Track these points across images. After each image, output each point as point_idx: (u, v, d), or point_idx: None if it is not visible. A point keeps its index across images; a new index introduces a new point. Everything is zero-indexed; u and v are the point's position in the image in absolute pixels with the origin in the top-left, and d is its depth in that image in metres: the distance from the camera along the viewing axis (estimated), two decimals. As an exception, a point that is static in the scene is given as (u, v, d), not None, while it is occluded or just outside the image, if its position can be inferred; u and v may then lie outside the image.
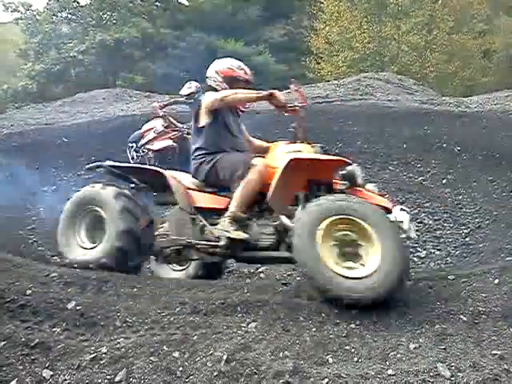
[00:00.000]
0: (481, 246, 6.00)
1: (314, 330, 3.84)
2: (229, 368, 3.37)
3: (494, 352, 3.40)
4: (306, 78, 27.00)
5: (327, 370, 3.36)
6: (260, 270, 5.52)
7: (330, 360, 3.49)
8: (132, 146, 7.66)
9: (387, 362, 3.41)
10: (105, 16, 28.49)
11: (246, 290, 4.44)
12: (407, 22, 23.85)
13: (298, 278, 5.17)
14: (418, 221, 6.93)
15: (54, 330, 3.84)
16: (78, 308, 4.13)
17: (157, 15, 28.54)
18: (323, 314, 3.98)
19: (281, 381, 3.24)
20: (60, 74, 25.96)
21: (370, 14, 24.46)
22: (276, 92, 4.36)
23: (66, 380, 3.31)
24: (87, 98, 13.84)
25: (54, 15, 28.39)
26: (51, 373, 3.38)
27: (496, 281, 4.32)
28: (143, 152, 7.54)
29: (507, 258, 5.18)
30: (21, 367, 3.40)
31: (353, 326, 3.84)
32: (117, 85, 25.29)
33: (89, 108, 11.94)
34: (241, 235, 4.31)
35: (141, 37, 26.06)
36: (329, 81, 21.80)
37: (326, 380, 3.23)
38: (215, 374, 3.34)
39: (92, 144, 9.02)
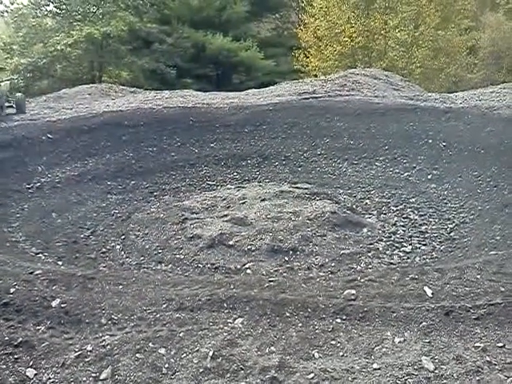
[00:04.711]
0: (465, 240, 6.05)
1: (300, 325, 3.86)
2: (215, 364, 3.39)
3: (476, 344, 3.46)
4: (293, 72, 26.99)
5: (313, 365, 3.38)
6: (247, 266, 5.52)
7: (316, 355, 3.52)
8: None
9: (372, 356, 3.45)
10: (91, 10, 28.15)
11: (232, 286, 4.45)
12: (394, 18, 23.93)
13: (284, 274, 5.18)
14: (404, 216, 6.98)
15: (38, 328, 3.82)
16: (62, 306, 4.11)
17: (143, 10, 28.25)
18: (309, 309, 4.00)
19: (267, 376, 3.26)
20: (46, 69, 25.63)
21: (357, 9, 24.51)
22: None
23: (50, 379, 3.30)
24: (72, 93, 13.68)
25: (39, 9, 28.00)
26: (35, 372, 3.36)
27: (479, 275, 4.37)
28: None
29: (491, 252, 5.23)
30: (4, 366, 3.37)
31: (338, 320, 3.87)
32: (103, 80, 25.02)
33: (74, 104, 11.80)
34: None
35: (128, 31, 25.79)
36: (316, 75, 21.83)
37: (312, 375, 3.26)
38: (201, 370, 3.35)
39: (77, 140, 8.95)
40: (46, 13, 28.57)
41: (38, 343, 3.60)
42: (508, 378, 3.12)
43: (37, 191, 7.52)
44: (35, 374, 3.33)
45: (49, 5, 28.32)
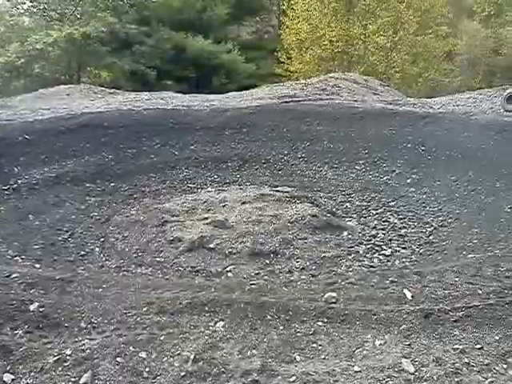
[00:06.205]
0: (444, 243, 6.13)
1: (281, 328, 3.87)
2: (196, 368, 3.37)
3: (455, 346, 3.51)
4: (274, 76, 27.08)
5: (295, 368, 3.39)
6: (227, 269, 5.50)
7: (298, 358, 3.53)
8: None
9: (353, 359, 3.47)
10: (69, 9, 27.80)
11: (213, 290, 4.44)
12: (374, 23, 24.25)
13: (265, 277, 5.18)
14: (384, 219, 7.05)
15: (16, 332, 3.75)
16: (40, 309, 4.04)
17: (123, 10, 28.01)
18: (290, 313, 4.01)
19: (249, 379, 3.25)
20: (23, 68, 25.21)
21: (338, 13, 24.76)
22: None
23: (28, 384, 3.24)
24: (50, 93, 13.49)
25: (15, 7, 27.57)
26: (12, 377, 3.29)
27: (458, 278, 4.44)
28: None
29: (469, 256, 5.32)
30: (-20, 371, 3.30)
31: (320, 323, 3.89)
32: (82, 81, 24.73)
33: (52, 104, 11.63)
34: None
35: (108, 32, 25.54)
36: (297, 78, 21.96)
37: (294, 378, 3.26)
38: (182, 374, 3.33)
39: (55, 142, 8.81)
40: (22, 11, 28.12)
41: (15, 347, 3.53)
42: (486, 379, 3.18)
43: (13, 193, 7.37)
44: (13, 379, 3.26)
45: (25, 3, 27.85)
